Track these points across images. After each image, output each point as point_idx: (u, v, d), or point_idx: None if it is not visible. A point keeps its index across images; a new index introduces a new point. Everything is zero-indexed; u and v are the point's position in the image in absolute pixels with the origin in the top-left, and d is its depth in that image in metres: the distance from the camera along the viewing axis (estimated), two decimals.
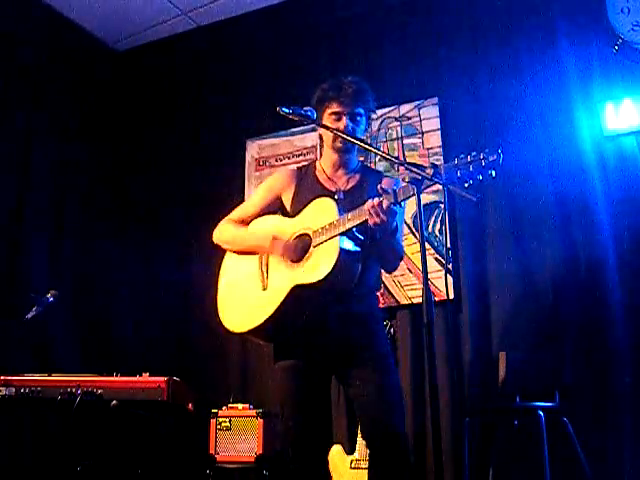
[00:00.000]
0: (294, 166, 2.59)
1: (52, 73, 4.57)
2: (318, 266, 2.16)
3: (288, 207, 2.45)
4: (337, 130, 2.31)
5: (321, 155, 2.55)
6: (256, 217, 2.47)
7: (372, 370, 2.24)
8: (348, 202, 2.30)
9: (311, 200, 2.32)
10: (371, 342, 2.29)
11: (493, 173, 1.91)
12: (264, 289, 2.30)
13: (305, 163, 2.59)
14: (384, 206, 2.08)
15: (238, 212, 2.53)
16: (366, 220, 2.11)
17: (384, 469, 2.16)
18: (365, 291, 2.33)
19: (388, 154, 2.35)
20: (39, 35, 4.47)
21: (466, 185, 1.94)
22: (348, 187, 2.41)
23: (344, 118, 2.37)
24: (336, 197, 2.35)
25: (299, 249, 2.26)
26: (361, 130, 2.42)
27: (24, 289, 3.94)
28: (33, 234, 4.26)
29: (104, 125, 4.90)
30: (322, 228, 2.20)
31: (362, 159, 4.16)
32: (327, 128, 2.32)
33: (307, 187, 2.43)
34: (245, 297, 2.35)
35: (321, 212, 2.25)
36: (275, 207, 2.49)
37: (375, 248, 2.25)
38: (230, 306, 2.39)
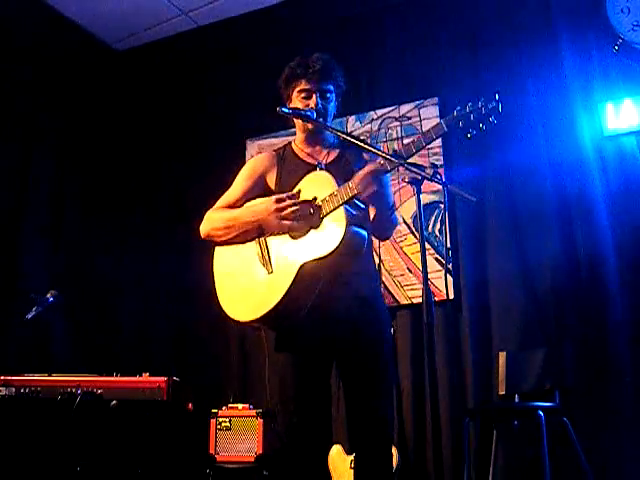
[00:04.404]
0: (271, 150, 2.53)
1: (52, 72, 4.58)
2: (327, 238, 2.11)
3: (273, 188, 2.40)
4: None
5: (295, 135, 2.50)
6: (242, 202, 2.40)
7: (368, 355, 2.21)
8: (332, 174, 2.27)
9: (299, 177, 2.28)
10: (373, 326, 2.26)
11: (495, 120, 1.93)
12: (269, 273, 2.23)
13: (280, 146, 2.52)
14: (375, 174, 2.08)
15: (223, 200, 2.45)
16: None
17: (367, 452, 2.15)
18: (367, 273, 2.32)
19: (388, 154, 2.34)
20: (39, 35, 4.47)
21: (468, 135, 1.96)
22: (329, 160, 2.38)
23: (314, 96, 2.34)
24: (317, 169, 2.31)
25: (306, 212, 2.20)
26: (332, 107, 2.39)
27: (24, 289, 3.94)
28: (33, 234, 4.26)
29: (104, 125, 4.90)
30: (323, 201, 2.16)
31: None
32: (313, 122, 2.30)
33: (289, 166, 2.39)
34: (249, 284, 2.27)
35: (318, 186, 2.20)
36: (259, 190, 2.41)
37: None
38: (234, 296, 2.31)
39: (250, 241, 2.32)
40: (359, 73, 4.44)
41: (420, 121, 4.21)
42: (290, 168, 2.38)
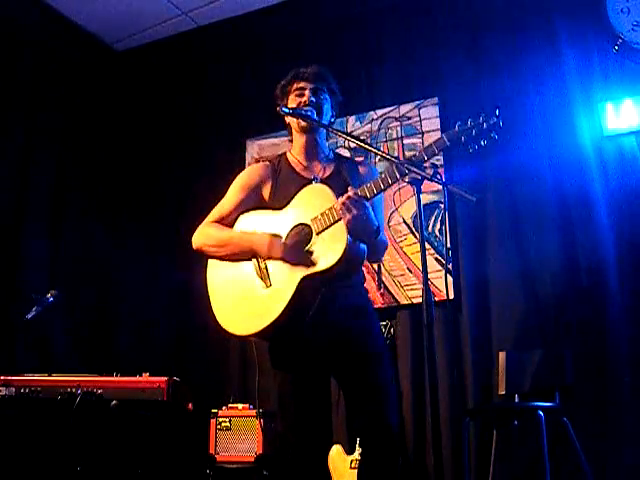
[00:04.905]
0: (265, 161, 2.52)
1: (52, 72, 4.58)
2: (328, 251, 2.11)
3: (267, 200, 2.38)
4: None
5: (291, 145, 2.49)
6: (236, 214, 2.38)
7: (369, 365, 2.22)
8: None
9: (294, 191, 2.27)
10: (370, 336, 2.27)
11: (496, 136, 1.96)
12: (267, 286, 2.21)
13: (276, 155, 2.53)
14: (354, 198, 2.05)
15: (217, 212, 2.41)
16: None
17: (374, 462, 2.14)
18: (359, 282, 2.33)
19: (388, 154, 2.34)
20: (39, 35, 4.47)
21: (470, 150, 1.97)
22: (326, 174, 2.37)
23: (307, 91, 2.36)
24: (314, 183, 2.30)
25: (300, 246, 2.19)
26: (327, 109, 2.39)
27: (24, 289, 3.94)
28: (33, 234, 4.26)
29: (104, 125, 4.90)
30: (322, 214, 2.15)
31: (362, 159, 4.19)
32: (302, 117, 2.31)
33: (285, 179, 2.38)
34: (247, 297, 2.26)
35: (316, 199, 2.19)
36: (254, 202, 2.39)
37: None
38: (230, 309, 2.29)
39: (245, 261, 2.30)
40: (359, 73, 4.44)
41: (420, 121, 4.21)
42: (285, 181, 2.37)
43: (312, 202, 2.20)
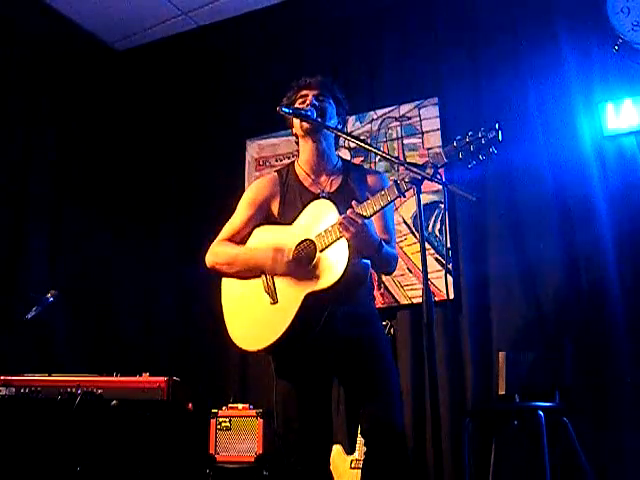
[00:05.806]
0: (273, 172, 2.54)
1: (52, 73, 4.57)
2: (330, 269, 2.13)
3: (276, 215, 2.41)
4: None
5: (298, 155, 2.51)
6: (247, 231, 2.41)
7: (375, 369, 2.24)
8: (335, 202, 2.27)
9: (303, 205, 2.29)
10: (374, 342, 2.30)
11: (495, 150, 1.93)
12: (274, 303, 2.25)
13: (284, 165, 2.55)
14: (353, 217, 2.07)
15: (227, 230, 2.44)
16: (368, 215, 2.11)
17: (382, 466, 2.15)
18: (365, 291, 2.34)
19: (388, 154, 2.34)
20: (39, 35, 4.47)
21: (469, 166, 1.95)
22: (333, 188, 2.39)
23: (309, 97, 2.38)
24: (320, 197, 2.32)
25: (305, 262, 2.21)
26: (331, 114, 2.41)
27: (24, 289, 3.94)
28: (33, 234, 4.26)
29: (104, 125, 4.90)
30: (325, 231, 2.17)
31: (362, 160, 4.19)
32: (299, 116, 2.32)
33: (292, 193, 2.40)
34: (254, 314, 2.29)
35: (321, 215, 2.21)
36: (263, 217, 2.43)
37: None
38: (240, 325, 2.33)
39: (255, 278, 2.32)
40: (359, 73, 4.44)
41: (420, 121, 4.20)
42: (293, 196, 2.40)
43: (317, 218, 2.22)
